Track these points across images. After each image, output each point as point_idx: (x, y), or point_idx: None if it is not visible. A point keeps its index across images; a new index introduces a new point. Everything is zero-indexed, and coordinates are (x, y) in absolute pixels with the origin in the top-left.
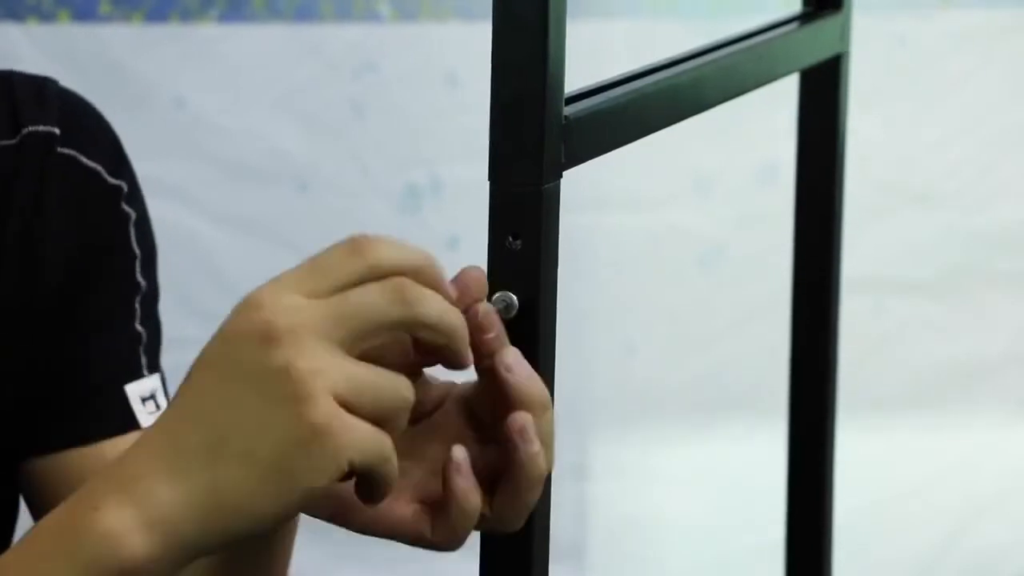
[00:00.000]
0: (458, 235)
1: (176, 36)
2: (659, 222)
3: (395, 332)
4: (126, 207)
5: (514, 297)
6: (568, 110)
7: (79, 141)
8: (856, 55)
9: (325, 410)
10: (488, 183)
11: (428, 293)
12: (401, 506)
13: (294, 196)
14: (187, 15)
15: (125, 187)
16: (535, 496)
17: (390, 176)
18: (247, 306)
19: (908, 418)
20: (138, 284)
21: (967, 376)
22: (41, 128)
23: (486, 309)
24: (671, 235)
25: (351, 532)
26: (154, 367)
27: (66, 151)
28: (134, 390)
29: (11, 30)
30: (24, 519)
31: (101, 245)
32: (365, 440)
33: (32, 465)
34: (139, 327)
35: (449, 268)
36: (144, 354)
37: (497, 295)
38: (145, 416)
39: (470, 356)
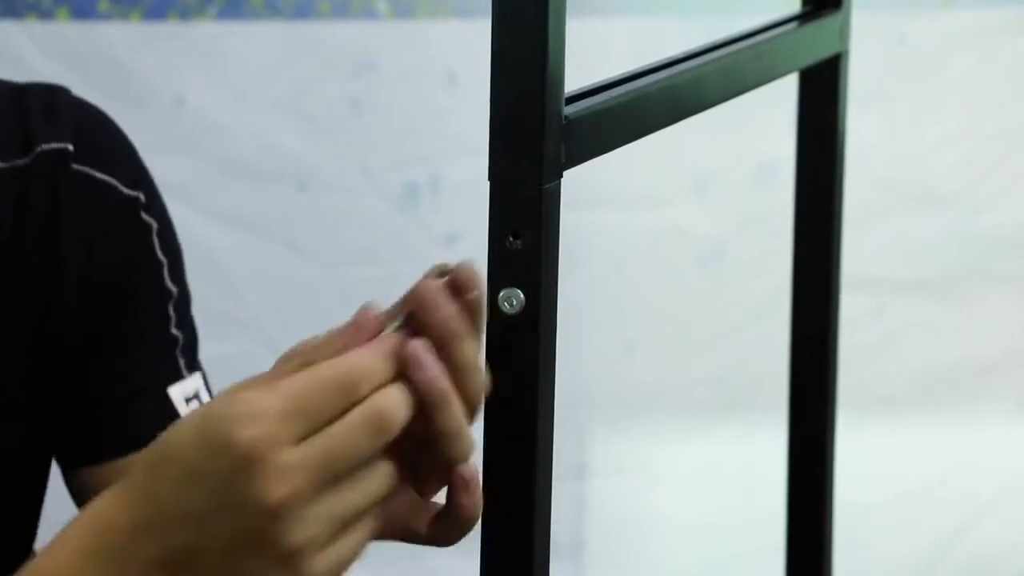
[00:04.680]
0: (456, 233)
1: (175, 34)
2: (659, 222)
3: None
4: (146, 217)
5: (520, 293)
6: (568, 110)
7: (93, 156)
8: (856, 54)
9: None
10: (487, 182)
11: (403, 413)
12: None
13: (293, 194)
14: (186, 13)
15: (143, 197)
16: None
17: (389, 174)
18: (236, 456)
19: (908, 418)
20: (169, 291)
21: (967, 376)
22: (54, 145)
23: (427, 286)
24: (671, 235)
25: None
26: (193, 367)
27: (80, 167)
28: (177, 392)
29: (10, 28)
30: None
31: (125, 259)
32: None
33: (84, 475)
34: (175, 331)
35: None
36: (182, 355)
37: (503, 292)
38: None
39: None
